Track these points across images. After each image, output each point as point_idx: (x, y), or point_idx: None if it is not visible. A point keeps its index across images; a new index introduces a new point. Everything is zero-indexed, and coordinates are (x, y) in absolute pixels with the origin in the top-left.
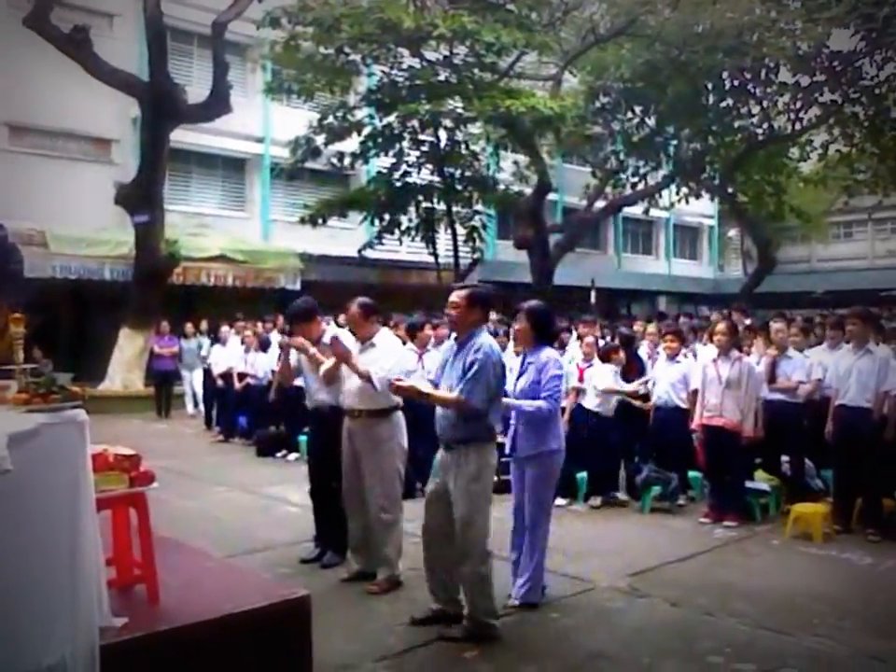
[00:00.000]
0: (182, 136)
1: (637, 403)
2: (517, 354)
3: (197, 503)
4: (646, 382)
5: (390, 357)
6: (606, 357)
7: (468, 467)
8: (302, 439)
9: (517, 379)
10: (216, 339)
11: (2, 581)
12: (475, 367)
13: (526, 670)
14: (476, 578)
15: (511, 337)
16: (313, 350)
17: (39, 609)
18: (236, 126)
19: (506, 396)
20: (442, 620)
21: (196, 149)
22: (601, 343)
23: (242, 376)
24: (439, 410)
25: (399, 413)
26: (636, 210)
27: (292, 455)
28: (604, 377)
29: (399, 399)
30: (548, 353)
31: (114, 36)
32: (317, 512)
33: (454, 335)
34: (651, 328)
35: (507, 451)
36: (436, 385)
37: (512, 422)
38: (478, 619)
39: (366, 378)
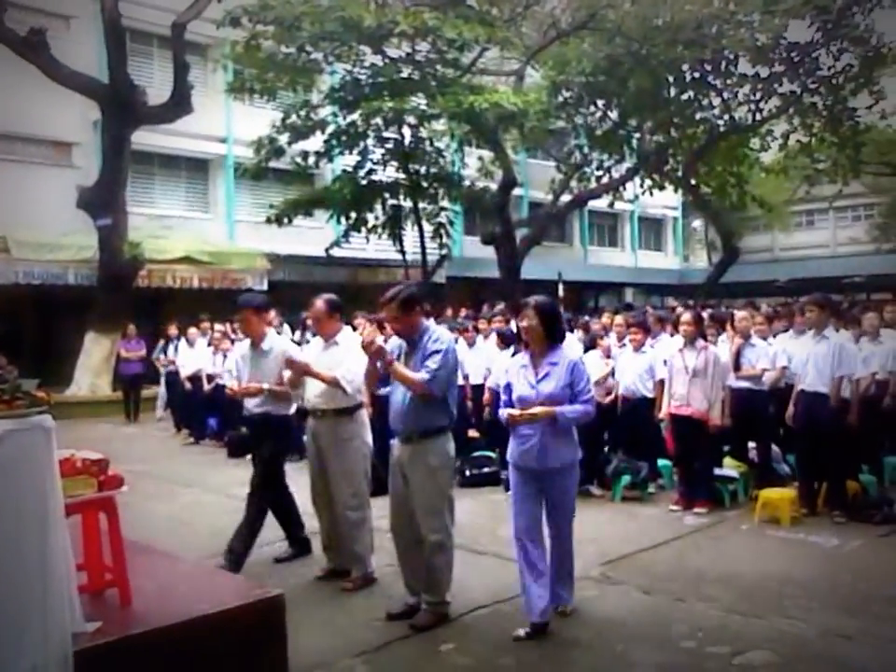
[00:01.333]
0: (144, 138)
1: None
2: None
3: (167, 506)
4: (611, 373)
5: (356, 357)
6: (593, 344)
7: (428, 459)
8: None
9: (538, 382)
10: (168, 342)
11: None
12: (438, 356)
13: (502, 661)
14: (444, 566)
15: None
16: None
17: (10, 617)
18: (198, 127)
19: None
20: (419, 613)
21: (159, 151)
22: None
23: (210, 378)
24: (396, 402)
25: (363, 412)
26: (601, 203)
27: None
28: (595, 365)
29: (362, 398)
30: (569, 353)
31: (71, 39)
32: (275, 513)
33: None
34: (619, 319)
35: (529, 463)
36: (385, 382)
37: (529, 431)
38: (441, 604)
39: (334, 384)
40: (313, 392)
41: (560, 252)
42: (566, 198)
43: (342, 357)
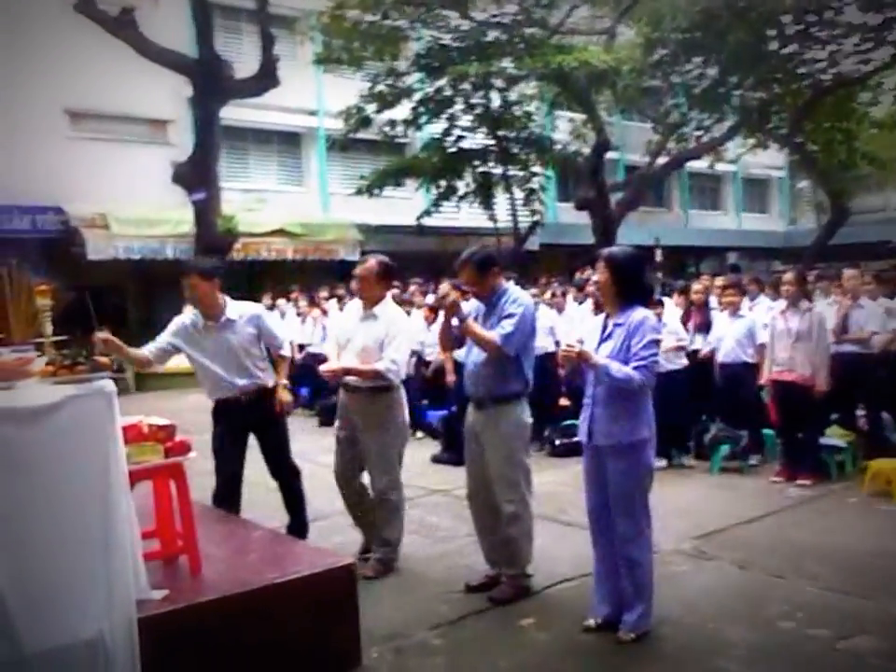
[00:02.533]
0: (237, 113)
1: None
2: (596, 314)
3: (251, 473)
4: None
5: (400, 337)
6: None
7: (502, 425)
8: None
9: (599, 345)
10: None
11: (35, 555)
12: (515, 317)
13: (584, 638)
14: (523, 538)
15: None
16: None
17: (74, 583)
18: (289, 101)
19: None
20: (498, 586)
21: (251, 126)
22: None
23: (301, 347)
24: (469, 365)
25: (402, 389)
26: (701, 165)
27: None
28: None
29: (402, 375)
30: (641, 312)
31: (160, 16)
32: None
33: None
34: (719, 281)
35: (580, 437)
36: (460, 344)
37: (587, 401)
38: (521, 577)
39: (377, 377)
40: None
41: (659, 216)
42: (663, 160)
43: (379, 335)
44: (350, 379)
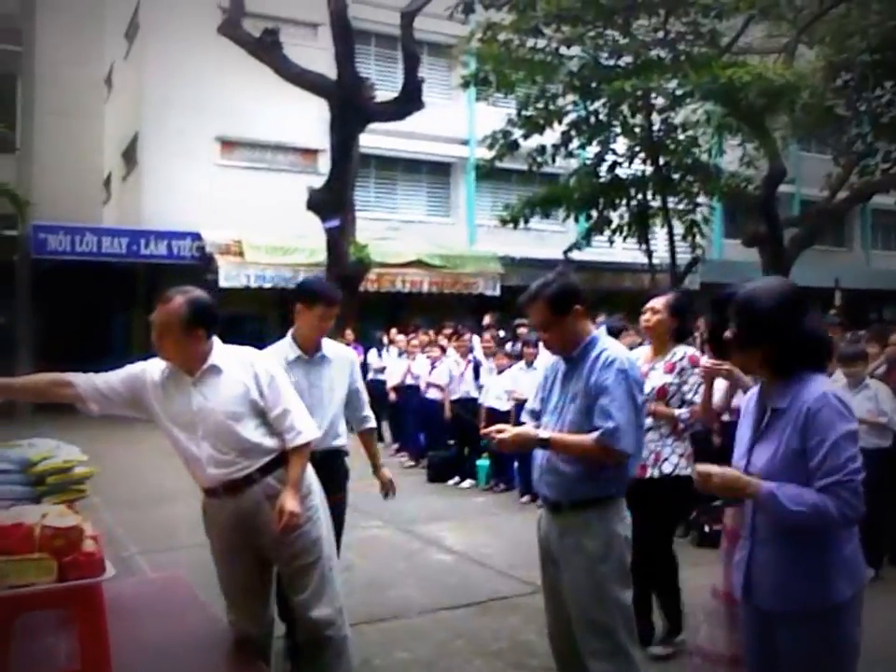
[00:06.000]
0: (387, 142)
1: None
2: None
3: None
4: None
5: (280, 382)
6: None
7: (584, 543)
8: (482, 464)
9: (750, 448)
10: (381, 347)
11: None
12: (612, 392)
13: None
14: None
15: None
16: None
17: None
18: (441, 130)
19: None
20: None
21: (402, 155)
22: None
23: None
24: (541, 460)
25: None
26: (888, 200)
27: (466, 482)
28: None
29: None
30: (817, 386)
31: (318, 45)
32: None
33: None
34: None
35: (735, 590)
36: (538, 419)
37: (744, 533)
38: None
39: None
40: (207, 458)
41: (836, 256)
42: (844, 195)
43: (244, 390)
44: (216, 474)
